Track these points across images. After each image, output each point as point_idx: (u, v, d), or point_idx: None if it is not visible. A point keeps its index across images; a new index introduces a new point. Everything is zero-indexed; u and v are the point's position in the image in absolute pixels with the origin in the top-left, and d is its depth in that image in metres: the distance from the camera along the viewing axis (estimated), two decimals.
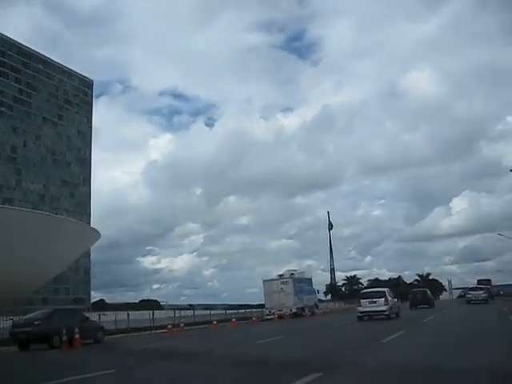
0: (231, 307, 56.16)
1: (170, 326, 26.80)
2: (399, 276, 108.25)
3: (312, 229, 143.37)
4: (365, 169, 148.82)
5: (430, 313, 31.22)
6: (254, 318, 36.47)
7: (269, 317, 39.07)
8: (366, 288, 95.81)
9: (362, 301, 28.23)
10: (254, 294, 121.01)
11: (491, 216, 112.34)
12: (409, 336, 16.11)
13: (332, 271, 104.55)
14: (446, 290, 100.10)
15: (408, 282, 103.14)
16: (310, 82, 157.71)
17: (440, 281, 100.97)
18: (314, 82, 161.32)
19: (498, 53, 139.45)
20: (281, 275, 41.84)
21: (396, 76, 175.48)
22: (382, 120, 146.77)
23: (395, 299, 32.51)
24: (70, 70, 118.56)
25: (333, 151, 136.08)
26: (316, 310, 46.28)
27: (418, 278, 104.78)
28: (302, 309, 40.96)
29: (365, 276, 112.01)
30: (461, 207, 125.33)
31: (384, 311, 26.94)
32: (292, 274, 42.10)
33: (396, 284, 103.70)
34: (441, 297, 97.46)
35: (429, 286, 70.65)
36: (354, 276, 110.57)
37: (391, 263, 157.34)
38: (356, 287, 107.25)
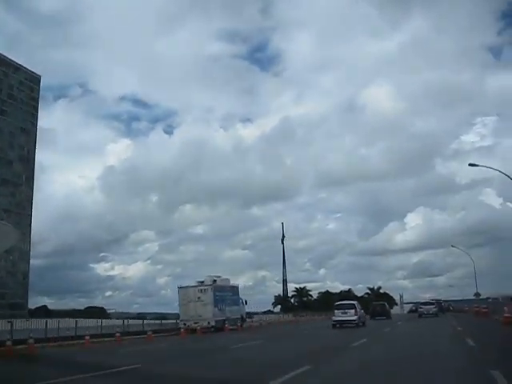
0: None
1: (87, 338, 24.42)
2: (349, 289, 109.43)
3: (267, 240, 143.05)
4: (322, 182, 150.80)
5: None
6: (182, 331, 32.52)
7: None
8: (316, 300, 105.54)
9: (335, 311, 33.65)
10: None
11: (443, 232, 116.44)
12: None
13: (284, 282, 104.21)
14: (396, 304, 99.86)
15: (359, 295, 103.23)
16: (270, 93, 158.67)
17: (391, 295, 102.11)
18: (275, 94, 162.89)
19: (454, 74, 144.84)
20: (201, 282, 36.47)
21: (355, 91, 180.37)
22: (341, 134, 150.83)
23: (362, 310, 36.78)
24: (16, 63, 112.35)
25: (291, 163, 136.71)
26: (246, 323, 43.17)
27: (368, 291, 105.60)
28: (224, 322, 36.15)
29: (318, 288, 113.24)
30: (415, 223, 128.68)
31: (354, 320, 32.23)
32: (214, 280, 36.77)
33: (346, 297, 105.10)
34: (392, 311, 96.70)
35: (379, 300, 70.86)
36: (304, 288, 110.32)
37: (345, 276, 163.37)
38: (305, 299, 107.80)
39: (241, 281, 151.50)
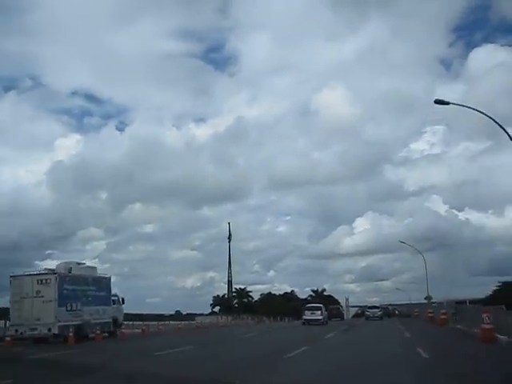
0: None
1: None
2: (292, 291, 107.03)
3: (217, 241, 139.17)
4: (273, 184, 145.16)
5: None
6: None
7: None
8: (257, 301, 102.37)
9: (305, 312, 42.65)
10: (154, 303, 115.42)
11: (391, 237, 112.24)
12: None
13: (229, 283, 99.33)
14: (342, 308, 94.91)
15: (303, 298, 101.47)
16: (225, 93, 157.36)
17: (336, 297, 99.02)
18: (229, 94, 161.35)
19: (408, 83, 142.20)
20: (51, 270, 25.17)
21: (310, 94, 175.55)
22: (294, 136, 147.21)
23: (326, 312, 45.43)
24: None
25: (243, 164, 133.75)
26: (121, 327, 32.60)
27: (312, 293, 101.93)
28: (79, 328, 24.96)
29: (267, 290, 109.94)
30: (363, 227, 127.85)
31: (320, 319, 40.68)
32: (70, 268, 25.95)
33: (289, 299, 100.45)
34: None
35: (324, 302, 67.09)
36: (244, 289, 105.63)
37: (293, 279, 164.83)
38: (246, 300, 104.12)
39: (189, 281, 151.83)
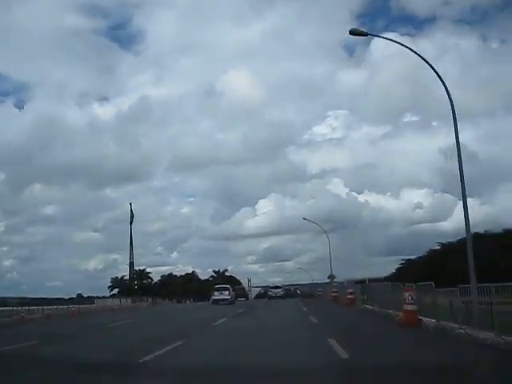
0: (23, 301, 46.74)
1: None
2: (193, 271, 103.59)
3: (120, 222, 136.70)
4: (177, 165, 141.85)
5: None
6: None
7: None
8: (157, 283, 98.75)
9: (215, 292, 46.36)
10: (56, 287, 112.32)
11: (293, 219, 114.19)
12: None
13: (131, 265, 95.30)
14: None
15: (204, 279, 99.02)
16: (129, 72, 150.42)
17: (238, 278, 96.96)
18: (134, 73, 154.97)
19: (311, 67, 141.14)
20: None
21: (215, 75, 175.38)
22: (198, 117, 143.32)
23: (233, 292, 49.10)
24: None
25: (146, 144, 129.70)
26: None
27: (214, 274, 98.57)
28: None
29: (169, 272, 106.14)
30: (266, 209, 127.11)
31: (228, 299, 44.46)
32: None
33: (190, 280, 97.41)
34: None
35: (225, 283, 66.03)
36: (144, 270, 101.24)
37: (197, 260, 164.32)
38: (146, 282, 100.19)
39: (92, 264, 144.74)
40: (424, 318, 14.53)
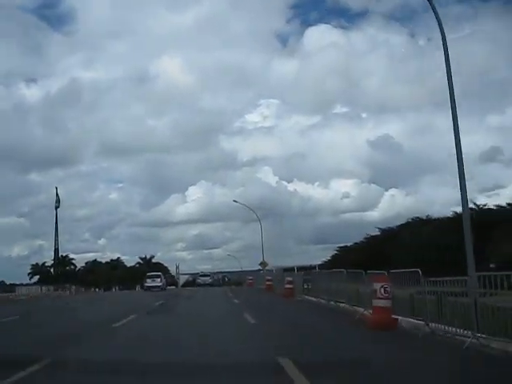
0: None
1: None
2: (118, 258, 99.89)
3: (46, 208, 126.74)
4: (106, 150, 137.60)
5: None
6: None
7: None
8: (81, 270, 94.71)
9: (147, 279, 47.14)
10: None
11: (223, 206, 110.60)
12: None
13: (56, 252, 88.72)
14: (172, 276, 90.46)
15: (130, 265, 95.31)
16: (59, 53, 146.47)
17: (166, 265, 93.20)
18: (64, 55, 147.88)
19: (245, 55, 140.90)
20: None
21: (148, 60, 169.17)
22: (129, 102, 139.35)
23: (165, 279, 51.11)
24: None
25: (75, 128, 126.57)
26: None
27: (140, 261, 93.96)
28: None
29: (95, 259, 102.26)
30: (196, 196, 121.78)
31: (160, 286, 45.17)
32: None
33: (115, 266, 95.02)
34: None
35: (155, 270, 63.68)
36: (66, 256, 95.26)
37: (125, 247, 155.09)
38: (68, 268, 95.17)
39: (15, 250, 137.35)
40: (400, 317, 10.83)
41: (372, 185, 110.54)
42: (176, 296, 30.41)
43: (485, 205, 42.20)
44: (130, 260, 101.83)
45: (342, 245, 61.49)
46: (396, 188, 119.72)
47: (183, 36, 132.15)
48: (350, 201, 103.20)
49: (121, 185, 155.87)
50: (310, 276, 24.83)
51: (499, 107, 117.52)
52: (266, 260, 48.34)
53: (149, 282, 46.09)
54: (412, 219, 47.74)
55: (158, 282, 45.66)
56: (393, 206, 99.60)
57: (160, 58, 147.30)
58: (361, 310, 13.22)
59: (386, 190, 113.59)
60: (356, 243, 56.35)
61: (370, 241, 51.79)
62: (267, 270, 45.68)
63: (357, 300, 14.27)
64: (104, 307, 23.68)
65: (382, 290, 10.79)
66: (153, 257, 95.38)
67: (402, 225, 48.29)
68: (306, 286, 23.76)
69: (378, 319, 10.61)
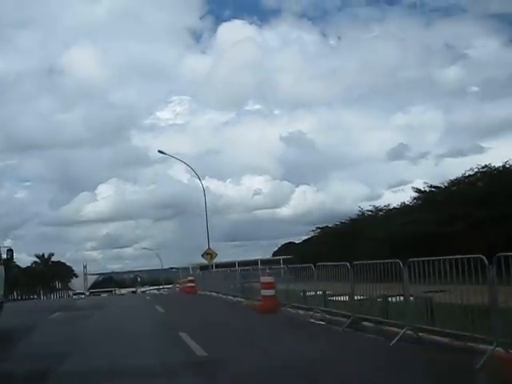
0: None
1: None
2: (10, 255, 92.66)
3: None
4: (12, 146, 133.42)
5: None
6: None
7: None
8: None
9: None
10: None
11: (134, 204, 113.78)
12: None
13: None
14: (76, 276, 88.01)
15: (26, 266, 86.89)
16: None
17: (69, 264, 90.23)
18: None
19: (158, 50, 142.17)
20: None
21: (57, 53, 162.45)
22: (37, 96, 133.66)
23: None
24: None
25: None
26: None
27: (37, 260, 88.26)
28: None
29: None
30: (107, 194, 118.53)
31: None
32: None
33: (7, 266, 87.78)
34: (69, 284, 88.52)
35: (52, 271, 61.75)
36: None
37: (33, 247, 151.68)
38: None
39: None
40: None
41: (284, 181, 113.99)
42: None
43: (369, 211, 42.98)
44: (24, 260, 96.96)
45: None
46: (307, 184, 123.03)
47: (95, 27, 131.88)
48: (261, 197, 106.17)
49: (28, 183, 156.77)
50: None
51: (407, 105, 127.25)
52: (175, 258, 44.58)
53: None
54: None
55: None
56: (304, 202, 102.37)
57: (70, 49, 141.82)
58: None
59: (297, 186, 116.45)
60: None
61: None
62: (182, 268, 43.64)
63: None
64: None
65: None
66: (52, 255, 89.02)
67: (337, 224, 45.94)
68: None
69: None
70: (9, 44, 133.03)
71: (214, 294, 23.21)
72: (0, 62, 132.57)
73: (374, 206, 43.27)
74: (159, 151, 32.17)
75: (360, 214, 43.15)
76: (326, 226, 47.89)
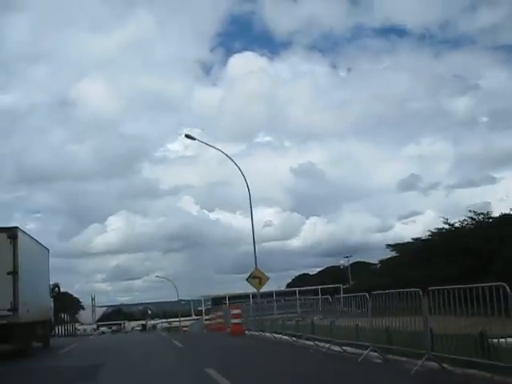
0: None
1: None
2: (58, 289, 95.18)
3: None
4: (23, 178, 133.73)
5: None
6: None
7: None
8: None
9: None
10: None
11: (144, 237, 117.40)
12: None
13: None
14: (83, 308, 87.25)
15: None
16: None
17: (76, 296, 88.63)
18: None
19: (168, 83, 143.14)
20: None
21: (69, 85, 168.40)
22: (48, 128, 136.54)
23: None
24: None
25: None
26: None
27: None
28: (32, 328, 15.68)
29: None
30: (116, 226, 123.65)
31: None
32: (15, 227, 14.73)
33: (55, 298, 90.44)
34: (77, 316, 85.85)
35: (58, 300, 61.75)
36: None
37: None
38: None
39: None
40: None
41: (294, 213, 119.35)
42: None
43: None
44: None
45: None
46: (317, 216, 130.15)
47: (105, 60, 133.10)
48: (271, 229, 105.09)
49: (38, 214, 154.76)
50: None
51: (417, 136, 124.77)
52: (185, 290, 39.47)
53: None
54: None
55: None
56: (314, 233, 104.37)
57: (81, 82, 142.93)
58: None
59: (307, 218, 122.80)
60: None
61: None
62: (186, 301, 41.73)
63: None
64: None
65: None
66: (57, 285, 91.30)
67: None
68: None
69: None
70: (21, 77, 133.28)
71: (267, 334, 17.69)
72: (12, 95, 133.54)
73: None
74: (186, 135, 26.50)
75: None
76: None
